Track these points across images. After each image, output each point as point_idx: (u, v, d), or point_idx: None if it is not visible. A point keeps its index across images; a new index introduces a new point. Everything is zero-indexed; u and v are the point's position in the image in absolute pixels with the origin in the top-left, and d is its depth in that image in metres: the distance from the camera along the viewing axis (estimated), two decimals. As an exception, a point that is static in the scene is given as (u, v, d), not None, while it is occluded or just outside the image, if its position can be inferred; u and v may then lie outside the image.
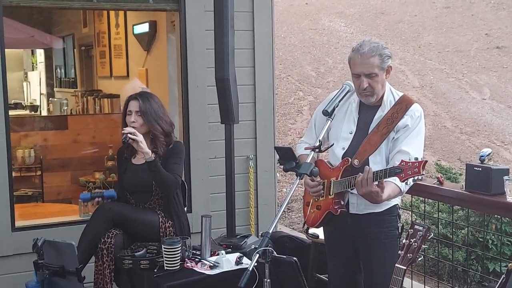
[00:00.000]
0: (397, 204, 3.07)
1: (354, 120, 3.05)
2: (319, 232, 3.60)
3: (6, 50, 4.26)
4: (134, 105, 3.71)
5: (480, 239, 5.09)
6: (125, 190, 3.82)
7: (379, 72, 2.93)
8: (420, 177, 2.65)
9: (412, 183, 2.71)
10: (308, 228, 3.37)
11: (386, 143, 2.96)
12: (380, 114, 3.00)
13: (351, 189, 2.94)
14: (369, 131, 2.99)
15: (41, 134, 6.48)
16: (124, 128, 3.63)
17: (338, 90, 3.02)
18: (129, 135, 3.55)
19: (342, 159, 3.02)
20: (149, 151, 3.59)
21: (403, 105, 2.99)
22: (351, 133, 3.04)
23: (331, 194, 3.00)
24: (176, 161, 3.73)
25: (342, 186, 2.95)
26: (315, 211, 3.10)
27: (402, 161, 2.64)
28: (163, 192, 3.70)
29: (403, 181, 2.66)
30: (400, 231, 3.02)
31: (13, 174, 4.51)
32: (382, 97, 3.00)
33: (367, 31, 15.70)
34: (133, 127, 3.64)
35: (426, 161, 2.64)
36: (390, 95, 3.03)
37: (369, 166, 2.94)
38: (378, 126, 2.98)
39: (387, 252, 2.94)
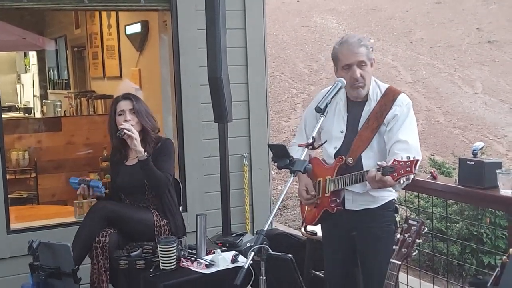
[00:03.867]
0: (394, 199, 3.08)
1: (344, 119, 3.06)
2: (317, 229, 3.62)
3: (-2, 52, 4.25)
4: (126, 105, 3.75)
5: (475, 233, 5.11)
6: (120, 191, 3.84)
7: (368, 62, 2.96)
8: (412, 176, 2.65)
9: (405, 182, 2.70)
10: (306, 226, 3.39)
11: (377, 137, 2.97)
12: (367, 108, 3.01)
13: (348, 187, 2.96)
14: (359, 127, 3.00)
15: (35, 136, 6.46)
16: (122, 123, 3.66)
17: (330, 87, 3.02)
18: (125, 130, 3.59)
19: (336, 157, 3.03)
20: (142, 150, 3.63)
21: (390, 96, 3.00)
22: (342, 132, 3.05)
23: (327, 192, 3.02)
24: (165, 158, 3.76)
25: (338, 184, 2.97)
26: (312, 209, 3.12)
27: (394, 160, 2.65)
28: (155, 191, 3.73)
29: (396, 180, 2.65)
30: (396, 226, 3.03)
31: (8, 176, 4.51)
32: (368, 91, 3.02)
33: (359, 28, 15.71)
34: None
35: (418, 160, 2.64)
36: (376, 88, 3.04)
37: (361, 162, 2.95)
38: (368, 121, 2.99)
39: (384, 247, 2.94)
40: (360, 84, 2.96)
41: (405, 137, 2.90)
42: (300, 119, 3.43)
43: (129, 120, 3.70)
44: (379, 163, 2.72)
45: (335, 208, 2.99)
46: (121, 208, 3.72)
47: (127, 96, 3.80)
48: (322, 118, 2.83)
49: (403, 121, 2.94)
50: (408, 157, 2.63)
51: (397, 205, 3.13)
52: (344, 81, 2.95)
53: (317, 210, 3.08)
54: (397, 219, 3.05)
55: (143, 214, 3.72)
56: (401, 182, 2.69)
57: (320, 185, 3.06)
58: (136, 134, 3.63)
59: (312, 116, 3.20)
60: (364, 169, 2.93)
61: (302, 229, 3.64)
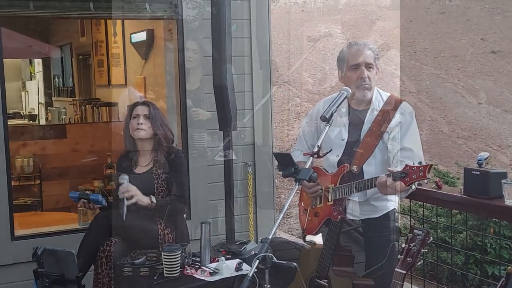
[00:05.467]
0: (395, 209, 3.08)
1: (346, 126, 3.06)
2: (316, 239, 3.61)
3: (4, 60, 4.28)
4: (142, 109, 3.80)
5: (479, 243, 5.09)
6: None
7: (374, 66, 2.98)
8: (425, 181, 2.64)
9: (414, 188, 2.69)
10: (305, 235, 3.38)
11: (380, 145, 2.97)
12: (370, 116, 3.02)
13: (350, 196, 2.95)
14: (362, 135, 3.00)
15: (40, 143, 6.49)
16: (121, 191, 3.61)
17: (333, 95, 3.02)
18: (125, 200, 3.57)
19: (338, 165, 3.02)
20: (148, 200, 3.64)
21: (392, 104, 3.02)
22: (343, 140, 3.05)
23: (329, 200, 3.01)
24: (180, 174, 3.80)
25: (341, 193, 2.96)
26: (312, 218, 3.11)
27: (406, 165, 2.64)
28: (173, 216, 3.75)
29: (408, 185, 2.65)
30: (396, 235, 3.03)
31: (12, 183, 4.52)
32: (371, 98, 3.02)
33: (363, 38, 15.72)
34: (140, 129, 3.72)
35: (431, 165, 2.64)
36: (378, 95, 3.05)
37: (363, 169, 2.95)
38: (371, 129, 2.99)
39: (385, 256, 2.95)
40: (366, 85, 2.97)
41: (410, 144, 2.91)
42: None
43: (141, 124, 3.74)
44: (389, 168, 2.72)
45: (338, 217, 2.99)
46: (125, 217, 3.71)
47: (146, 102, 3.88)
48: (328, 127, 2.82)
49: (407, 129, 2.95)
50: (420, 162, 2.62)
51: (398, 215, 3.13)
52: (350, 90, 2.95)
53: (318, 219, 3.07)
54: (396, 229, 3.05)
55: (147, 223, 3.72)
56: (413, 187, 2.68)
57: (322, 194, 3.05)
58: (135, 198, 3.59)
59: (310, 123, 3.22)
60: (365, 177, 2.93)
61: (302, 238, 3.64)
